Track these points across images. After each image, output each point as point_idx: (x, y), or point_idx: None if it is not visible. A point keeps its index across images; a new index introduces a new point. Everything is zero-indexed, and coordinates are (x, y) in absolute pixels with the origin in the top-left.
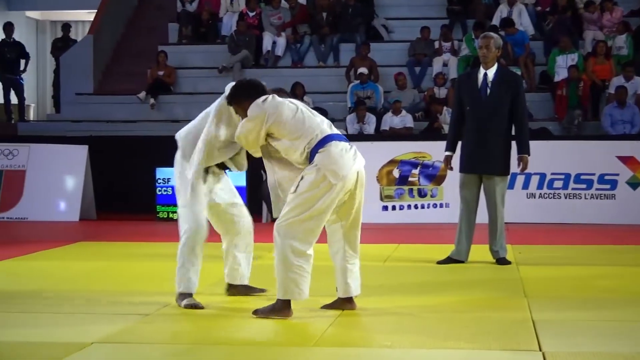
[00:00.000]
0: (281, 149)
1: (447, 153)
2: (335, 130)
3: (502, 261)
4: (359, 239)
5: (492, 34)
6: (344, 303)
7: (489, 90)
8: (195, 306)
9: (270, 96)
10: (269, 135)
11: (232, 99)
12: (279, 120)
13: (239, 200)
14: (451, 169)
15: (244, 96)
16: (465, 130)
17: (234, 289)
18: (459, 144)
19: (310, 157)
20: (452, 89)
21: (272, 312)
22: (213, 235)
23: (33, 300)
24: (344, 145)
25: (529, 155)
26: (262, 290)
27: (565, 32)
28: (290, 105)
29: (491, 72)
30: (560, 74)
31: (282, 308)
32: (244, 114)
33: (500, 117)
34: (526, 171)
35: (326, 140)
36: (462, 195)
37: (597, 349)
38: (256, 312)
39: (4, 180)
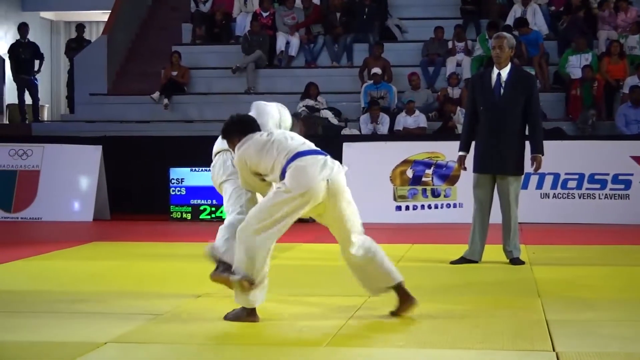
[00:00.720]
0: (268, 176)
1: (461, 153)
2: (309, 147)
3: (515, 261)
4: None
5: (505, 33)
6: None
7: (502, 90)
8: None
9: (248, 136)
10: (257, 174)
11: (224, 135)
12: (252, 161)
13: None
14: (465, 169)
15: (234, 133)
16: (479, 130)
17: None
18: (473, 144)
19: (281, 177)
20: (466, 89)
21: (238, 318)
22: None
23: (47, 300)
24: (311, 159)
25: (542, 155)
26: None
27: (579, 32)
28: (259, 139)
29: (505, 72)
30: (573, 74)
31: (248, 314)
32: (233, 148)
33: (513, 117)
34: (540, 171)
35: (293, 158)
36: (476, 196)
37: (611, 349)
38: (226, 317)
39: (18, 180)
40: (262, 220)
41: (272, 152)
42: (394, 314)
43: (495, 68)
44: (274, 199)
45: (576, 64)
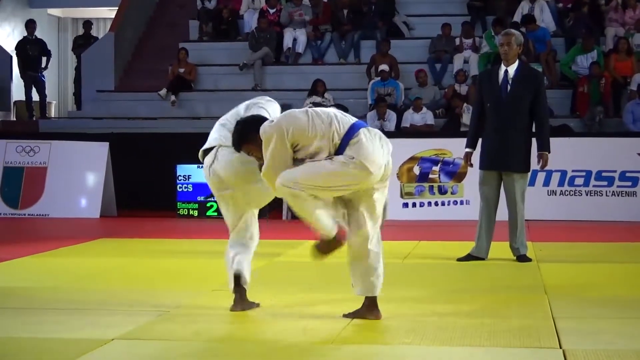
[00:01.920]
0: (308, 154)
1: (468, 150)
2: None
3: (522, 258)
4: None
5: (513, 30)
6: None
7: (509, 87)
8: None
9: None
10: (294, 148)
11: (242, 140)
12: (299, 127)
13: None
14: (471, 165)
15: (254, 133)
16: (486, 127)
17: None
18: (480, 141)
19: (341, 148)
20: (473, 86)
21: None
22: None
23: (54, 296)
24: (372, 133)
25: (549, 152)
26: (256, 305)
27: (586, 29)
28: (298, 110)
29: (512, 69)
30: (579, 74)
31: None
32: (258, 149)
33: (520, 114)
34: (547, 168)
35: (355, 128)
36: (482, 192)
37: (618, 347)
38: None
39: (25, 177)
40: (315, 187)
41: (321, 119)
42: (347, 315)
43: (502, 65)
44: (340, 168)
45: (583, 64)
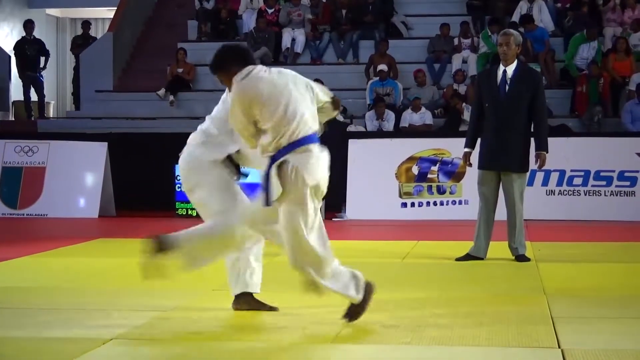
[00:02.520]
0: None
1: (466, 149)
2: (314, 126)
3: (521, 258)
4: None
5: (512, 30)
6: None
7: (507, 87)
8: None
9: (254, 67)
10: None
11: (219, 66)
12: (259, 101)
13: None
14: (470, 165)
15: (231, 63)
16: (484, 127)
17: (243, 301)
18: (479, 140)
19: (284, 151)
20: (472, 86)
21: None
22: None
23: (52, 296)
24: (324, 152)
25: (547, 152)
26: (274, 309)
27: (585, 29)
28: (272, 76)
29: (510, 69)
30: (580, 69)
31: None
32: (230, 84)
33: (519, 114)
34: (546, 168)
35: (306, 140)
36: (481, 192)
37: (616, 346)
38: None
39: (24, 177)
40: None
41: (286, 103)
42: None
43: (501, 65)
44: (310, 206)
45: (585, 55)
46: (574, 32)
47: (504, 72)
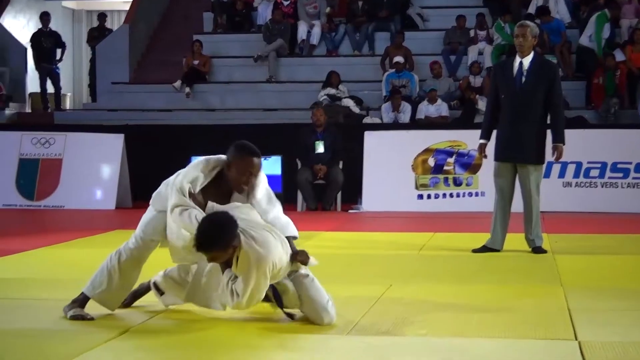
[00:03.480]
0: None
1: (482, 141)
2: None
3: (537, 250)
4: None
5: (528, 22)
6: None
7: (524, 79)
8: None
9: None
10: None
11: (222, 247)
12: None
13: None
14: (485, 156)
15: (233, 239)
16: (500, 118)
17: None
18: (494, 132)
19: None
20: (488, 77)
21: None
22: None
23: (70, 287)
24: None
25: (564, 144)
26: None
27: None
28: (269, 235)
29: (527, 61)
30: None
31: None
32: (225, 256)
33: (535, 105)
34: (562, 160)
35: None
36: (497, 184)
37: (634, 338)
38: None
39: (40, 168)
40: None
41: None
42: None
43: (517, 56)
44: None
45: (606, 35)
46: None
47: (520, 63)
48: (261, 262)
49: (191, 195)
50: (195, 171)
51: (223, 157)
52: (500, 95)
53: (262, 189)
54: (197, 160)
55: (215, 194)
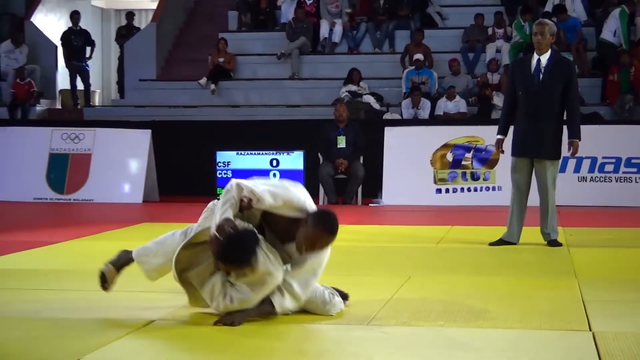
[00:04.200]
0: None
1: (499, 136)
2: None
3: (553, 243)
4: None
5: (547, 20)
6: None
7: (541, 76)
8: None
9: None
10: None
11: (247, 263)
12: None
13: None
14: (502, 152)
15: (254, 254)
16: (518, 114)
17: None
18: (511, 128)
19: None
20: (505, 74)
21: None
22: None
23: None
24: None
25: (579, 140)
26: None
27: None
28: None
29: (544, 58)
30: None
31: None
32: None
33: (552, 102)
34: (577, 155)
35: None
36: (514, 179)
37: None
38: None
39: (70, 163)
40: None
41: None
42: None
43: (535, 54)
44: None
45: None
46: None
47: (538, 61)
48: (273, 282)
49: (249, 205)
50: (291, 194)
51: (314, 208)
52: (518, 91)
53: (313, 262)
54: (303, 190)
55: (277, 228)
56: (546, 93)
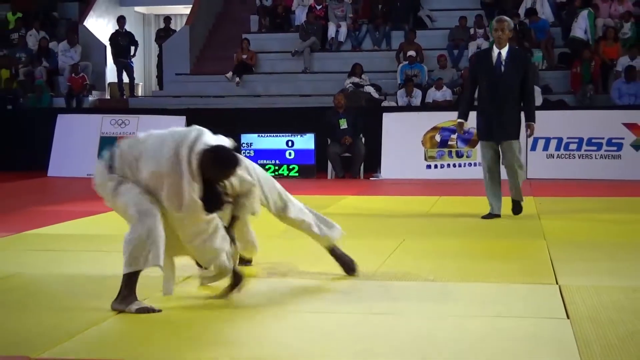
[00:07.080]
0: None
1: (461, 120)
2: None
3: (516, 204)
4: None
5: (506, 17)
6: None
7: (503, 68)
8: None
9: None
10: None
11: (236, 165)
12: None
13: None
14: (463, 133)
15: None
16: (481, 102)
17: None
18: (475, 115)
19: None
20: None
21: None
22: None
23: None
24: None
25: (534, 122)
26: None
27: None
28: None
29: (504, 51)
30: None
31: None
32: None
33: (513, 90)
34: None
35: None
36: (484, 164)
37: (607, 283)
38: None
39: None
40: None
41: None
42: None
43: (495, 48)
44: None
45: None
46: (570, 22)
47: (499, 54)
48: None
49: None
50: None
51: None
52: (481, 82)
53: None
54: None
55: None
56: (507, 83)
